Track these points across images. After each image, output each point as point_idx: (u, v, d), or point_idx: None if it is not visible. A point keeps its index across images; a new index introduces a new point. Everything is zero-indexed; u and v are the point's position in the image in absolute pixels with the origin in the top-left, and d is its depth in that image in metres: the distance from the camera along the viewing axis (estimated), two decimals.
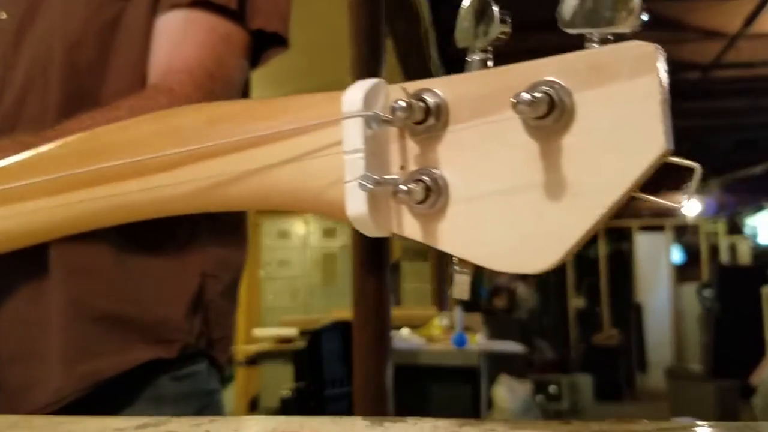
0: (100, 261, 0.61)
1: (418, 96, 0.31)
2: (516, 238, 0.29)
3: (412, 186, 0.31)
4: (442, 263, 4.58)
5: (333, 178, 0.33)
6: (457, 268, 0.32)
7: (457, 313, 3.54)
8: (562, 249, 0.28)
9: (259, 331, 4.19)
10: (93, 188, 0.41)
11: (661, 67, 0.28)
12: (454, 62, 3.71)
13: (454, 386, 3.25)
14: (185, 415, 0.56)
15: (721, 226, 7.88)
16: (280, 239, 5.95)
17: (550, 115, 0.28)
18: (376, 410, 2.23)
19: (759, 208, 7.74)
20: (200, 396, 0.65)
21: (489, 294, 7.82)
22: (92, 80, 0.63)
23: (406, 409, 2.83)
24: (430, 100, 0.31)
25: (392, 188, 0.31)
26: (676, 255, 8.09)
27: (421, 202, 0.31)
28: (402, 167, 0.32)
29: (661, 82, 0.28)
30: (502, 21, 0.30)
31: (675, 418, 4.00)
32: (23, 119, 0.62)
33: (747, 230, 7.95)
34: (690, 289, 7.22)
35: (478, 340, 3.55)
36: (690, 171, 0.30)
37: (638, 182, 0.28)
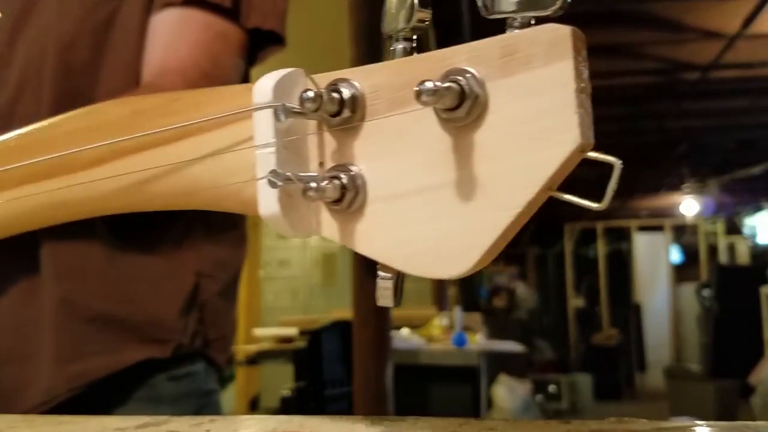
0: (91, 260, 0.61)
1: (333, 86, 0.29)
2: (431, 241, 0.28)
3: (323, 184, 0.29)
4: None
5: (250, 175, 0.31)
6: (380, 273, 0.30)
7: (457, 312, 3.55)
8: (478, 253, 0.26)
9: (259, 331, 4.19)
10: (27, 186, 0.40)
11: (579, 52, 0.25)
12: None
13: (453, 386, 3.26)
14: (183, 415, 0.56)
15: (720, 226, 7.88)
16: (280, 239, 5.94)
17: (461, 107, 0.26)
18: (376, 410, 2.23)
19: (758, 208, 7.74)
20: (198, 396, 0.65)
21: (488, 294, 7.83)
22: (86, 80, 0.63)
23: (406, 408, 2.84)
24: (344, 90, 0.29)
25: (302, 186, 0.29)
26: (675, 255, 8.10)
27: (337, 202, 0.29)
28: (321, 163, 0.30)
29: (577, 68, 0.25)
30: (422, 5, 0.28)
31: (674, 418, 4.00)
32: (17, 118, 0.61)
33: (746, 230, 7.95)
34: (689, 289, 7.23)
35: (478, 340, 3.55)
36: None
37: (555, 179, 0.26)
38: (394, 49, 0.29)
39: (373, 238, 0.29)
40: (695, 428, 0.34)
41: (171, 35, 0.62)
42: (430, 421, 0.36)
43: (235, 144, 0.32)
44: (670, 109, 4.65)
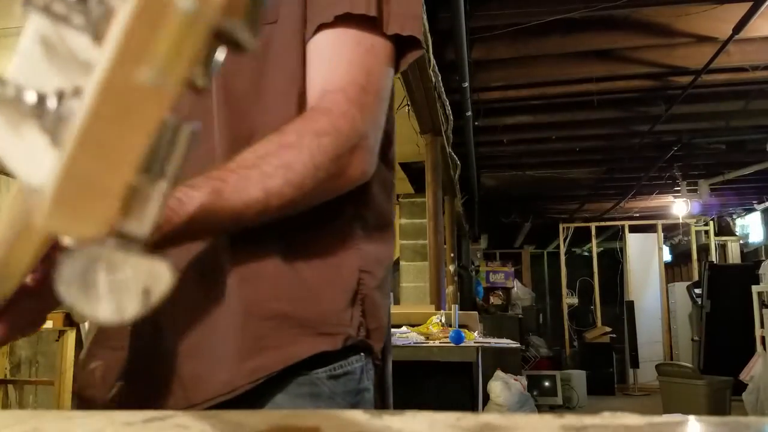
0: (268, 266, 0.65)
1: None
2: None
3: (22, 98, 0.21)
4: (439, 261, 4.64)
5: None
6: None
7: (454, 311, 3.60)
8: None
9: None
10: None
11: None
12: (452, 68, 3.75)
13: (451, 381, 3.30)
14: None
15: (711, 226, 7.93)
16: None
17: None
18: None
19: (749, 209, 7.80)
20: (353, 394, 0.68)
21: (485, 292, 7.88)
22: (247, 105, 0.67)
23: (405, 403, 2.89)
24: None
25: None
26: (667, 254, 8.13)
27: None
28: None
29: None
30: None
31: (666, 414, 4.07)
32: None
33: (737, 230, 8.01)
34: (681, 288, 7.26)
35: (475, 337, 3.60)
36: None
37: None
38: None
39: None
40: (687, 423, 0.34)
41: (327, 57, 0.66)
42: (428, 415, 0.36)
43: None
44: (662, 112, 4.67)
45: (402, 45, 0.70)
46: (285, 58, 0.68)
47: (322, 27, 0.66)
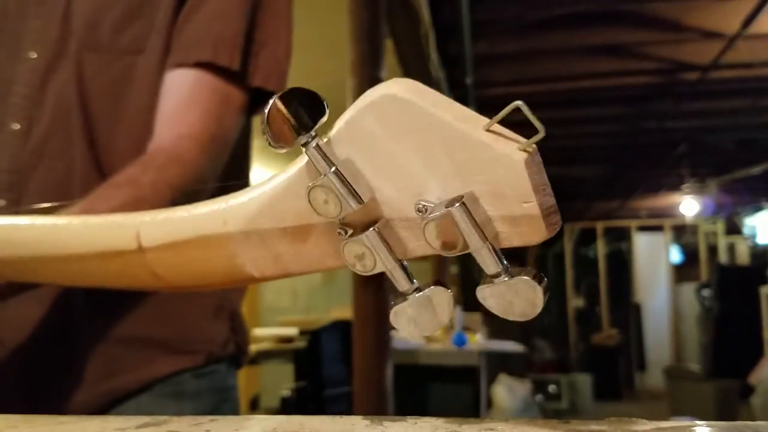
0: (126, 291, 0.65)
1: None
2: None
3: None
4: (442, 263, 4.58)
5: None
6: None
7: (457, 312, 3.54)
8: None
9: (259, 331, 4.19)
10: None
11: None
12: (455, 63, 3.70)
13: (453, 386, 3.26)
14: (203, 410, 0.66)
15: (719, 226, 7.87)
16: None
17: None
18: (376, 410, 2.22)
19: (758, 208, 7.73)
20: (218, 392, 0.69)
21: None
22: (107, 124, 0.68)
23: (406, 408, 2.84)
24: None
25: None
26: (675, 255, 8.09)
27: None
28: None
29: None
30: None
31: (674, 418, 3.99)
32: (48, 156, 0.67)
33: (746, 230, 7.94)
34: (689, 289, 7.21)
35: (478, 340, 3.55)
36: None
37: None
38: None
39: None
40: (695, 428, 0.34)
41: (182, 98, 0.67)
42: (430, 420, 0.36)
43: None
44: (670, 109, 4.64)
45: (262, 96, 0.72)
46: (149, 88, 0.68)
47: (181, 66, 0.68)
